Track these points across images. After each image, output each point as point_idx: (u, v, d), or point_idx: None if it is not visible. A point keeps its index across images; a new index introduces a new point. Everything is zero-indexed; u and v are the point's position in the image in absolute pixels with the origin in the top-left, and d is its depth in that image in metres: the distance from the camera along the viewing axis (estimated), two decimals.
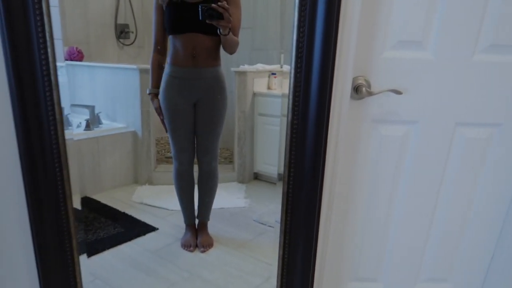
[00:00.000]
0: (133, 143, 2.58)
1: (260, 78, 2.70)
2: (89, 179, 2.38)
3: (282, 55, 2.70)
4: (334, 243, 1.25)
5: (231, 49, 1.63)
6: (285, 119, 1.02)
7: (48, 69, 0.84)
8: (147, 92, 1.76)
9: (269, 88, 2.77)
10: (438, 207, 1.24)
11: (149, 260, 1.74)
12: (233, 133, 2.68)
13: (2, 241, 1.00)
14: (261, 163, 2.72)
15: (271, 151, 2.63)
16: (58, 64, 0.87)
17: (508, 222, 1.26)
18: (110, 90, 2.63)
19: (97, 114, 2.54)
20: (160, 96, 1.70)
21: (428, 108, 1.12)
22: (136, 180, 2.61)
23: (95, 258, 1.74)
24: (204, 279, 1.62)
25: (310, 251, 1.13)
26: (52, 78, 0.85)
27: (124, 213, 2.16)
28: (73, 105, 2.53)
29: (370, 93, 1.05)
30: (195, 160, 1.83)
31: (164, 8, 1.61)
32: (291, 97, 0.98)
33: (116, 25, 2.98)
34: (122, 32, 3.02)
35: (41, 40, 0.81)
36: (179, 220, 1.95)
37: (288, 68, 0.97)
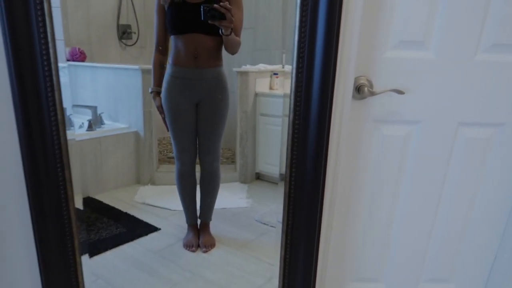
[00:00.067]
0: (135, 143, 2.58)
1: (262, 78, 2.70)
2: (91, 179, 2.39)
3: (284, 55, 2.70)
4: (336, 244, 1.25)
5: (233, 50, 1.63)
6: (286, 119, 1.02)
7: (49, 69, 0.84)
8: (149, 90, 1.76)
9: (271, 88, 2.77)
10: (440, 207, 1.24)
11: (151, 260, 1.74)
12: (235, 133, 2.68)
13: (4, 241, 1.00)
14: (263, 163, 2.72)
15: (273, 151, 2.63)
16: (60, 64, 0.87)
17: (511, 222, 1.25)
18: (112, 91, 2.63)
19: (100, 114, 2.54)
20: (162, 96, 1.71)
21: (430, 108, 1.11)
22: (138, 180, 2.61)
23: (97, 258, 1.74)
24: (206, 279, 1.62)
25: (312, 251, 1.13)
26: (54, 78, 0.86)
27: (126, 213, 2.16)
28: (75, 106, 2.54)
29: (372, 93, 1.05)
30: (197, 160, 1.83)
31: (166, 8, 1.62)
32: (292, 97, 0.98)
33: (118, 25, 2.99)
34: (124, 32, 3.02)
35: (42, 41, 0.82)
36: (181, 220, 1.95)
37: (290, 68, 0.97)
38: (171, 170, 2.13)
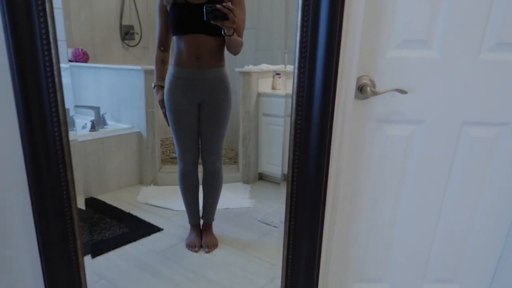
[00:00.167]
0: (138, 144, 2.59)
1: (264, 78, 2.70)
2: (94, 179, 2.39)
3: (287, 55, 2.70)
4: (339, 244, 1.25)
5: (235, 50, 1.63)
6: (289, 119, 1.01)
7: (51, 70, 0.84)
8: (152, 85, 1.76)
9: (273, 88, 2.77)
10: (444, 207, 1.23)
11: (154, 260, 1.74)
12: (237, 133, 2.68)
13: (7, 242, 1.00)
14: (266, 164, 2.71)
15: (275, 151, 2.63)
16: (62, 65, 0.87)
17: None
18: (115, 91, 2.64)
19: (102, 115, 2.55)
20: (165, 97, 1.71)
21: (433, 108, 1.11)
22: (141, 181, 2.62)
23: (100, 258, 1.74)
24: (209, 280, 1.61)
25: (315, 251, 1.12)
26: (56, 79, 0.86)
27: (129, 213, 2.17)
28: (78, 106, 2.55)
29: (374, 93, 1.04)
30: (200, 160, 1.83)
31: (168, 9, 1.62)
32: (294, 97, 0.98)
33: (121, 26, 3.00)
34: (127, 33, 3.03)
35: (44, 42, 0.82)
36: (184, 221, 1.95)
37: (292, 68, 0.97)
38: (173, 171, 2.13)
